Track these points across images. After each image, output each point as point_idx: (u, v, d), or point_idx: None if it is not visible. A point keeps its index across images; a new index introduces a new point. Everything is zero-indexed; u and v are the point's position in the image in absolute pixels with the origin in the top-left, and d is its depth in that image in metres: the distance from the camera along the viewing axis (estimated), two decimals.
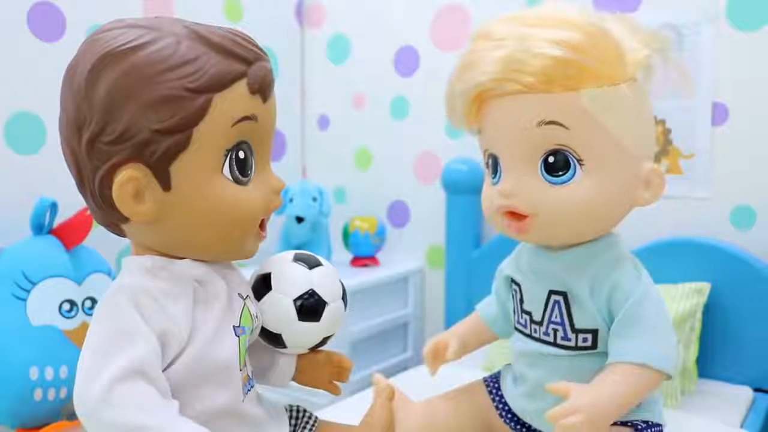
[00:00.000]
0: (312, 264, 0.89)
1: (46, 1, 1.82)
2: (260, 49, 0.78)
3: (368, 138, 2.50)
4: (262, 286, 0.87)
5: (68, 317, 1.53)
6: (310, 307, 0.86)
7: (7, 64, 1.75)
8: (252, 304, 0.84)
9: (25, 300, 1.49)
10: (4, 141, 1.75)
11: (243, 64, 0.75)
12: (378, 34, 2.44)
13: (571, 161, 0.87)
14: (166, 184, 0.73)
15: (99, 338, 0.71)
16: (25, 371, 1.45)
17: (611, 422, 0.87)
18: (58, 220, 1.60)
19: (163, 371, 0.72)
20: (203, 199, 0.74)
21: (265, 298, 0.86)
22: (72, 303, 1.54)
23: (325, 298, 0.87)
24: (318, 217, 2.22)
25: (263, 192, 0.80)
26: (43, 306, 1.50)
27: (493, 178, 0.95)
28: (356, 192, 2.55)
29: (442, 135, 2.32)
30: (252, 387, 0.84)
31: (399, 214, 2.45)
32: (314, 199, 2.20)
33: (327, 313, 0.87)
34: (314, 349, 0.91)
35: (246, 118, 0.75)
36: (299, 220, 2.19)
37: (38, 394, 1.46)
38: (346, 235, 2.34)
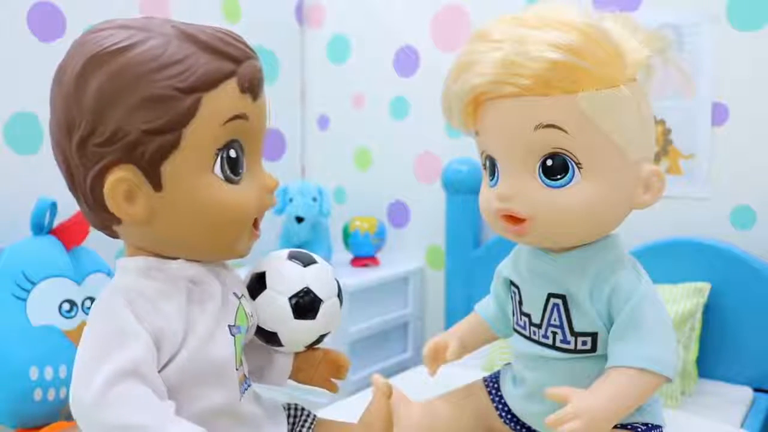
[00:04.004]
0: (306, 262, 0.89)
1: (46, 1, 1.82)
2: (250, 48, 0.78)
3: (368, 138, 2.50)
4: (257, 284, 0.87)
5: (68, 317, 1.53)
6: (305, 305, 0.86)
7: (7, 64, 1.75)
8: (247, 303, 0.84)
9: (25, 300, 1.49)
10: (4, 141, 1.75)
11: (232, 63, 0.74)
12: (378, 34, 2.44)
13: (569, 164, 0.86)
14: (157, 184, 0.73)
15: (94, 339, 0.71)
16: (25, 371, 1.45)
17: (611, 427, 0.87)
18: (58, 220, 1.60)
19: (159, 372, 0.72)
20: (195, 199, 0.74)
21: (261, 297, 0.86)
22: (72, 303, 1.54)
23: (320, 295, 0.87)
24: (318, 217, 2.22)
25: (256, 191, 0.79)
26: (43, 306, 1.50)
27: (491, 180, 0.94)
28: (356, 192, 2.55)
29: (442, 135, 2.31)
30: (249, 386, 0.84)
31: (399, 214, 2.45)
32: (314, 199, 2.20)
33: (323, 310, 0.87)
34: (311, 347, 0.91)
35: (236, 117, 0.75)
36: (299, 220, 2.19)
37: (38, 394, 1.46)
38: (346, 235, 2.34)
